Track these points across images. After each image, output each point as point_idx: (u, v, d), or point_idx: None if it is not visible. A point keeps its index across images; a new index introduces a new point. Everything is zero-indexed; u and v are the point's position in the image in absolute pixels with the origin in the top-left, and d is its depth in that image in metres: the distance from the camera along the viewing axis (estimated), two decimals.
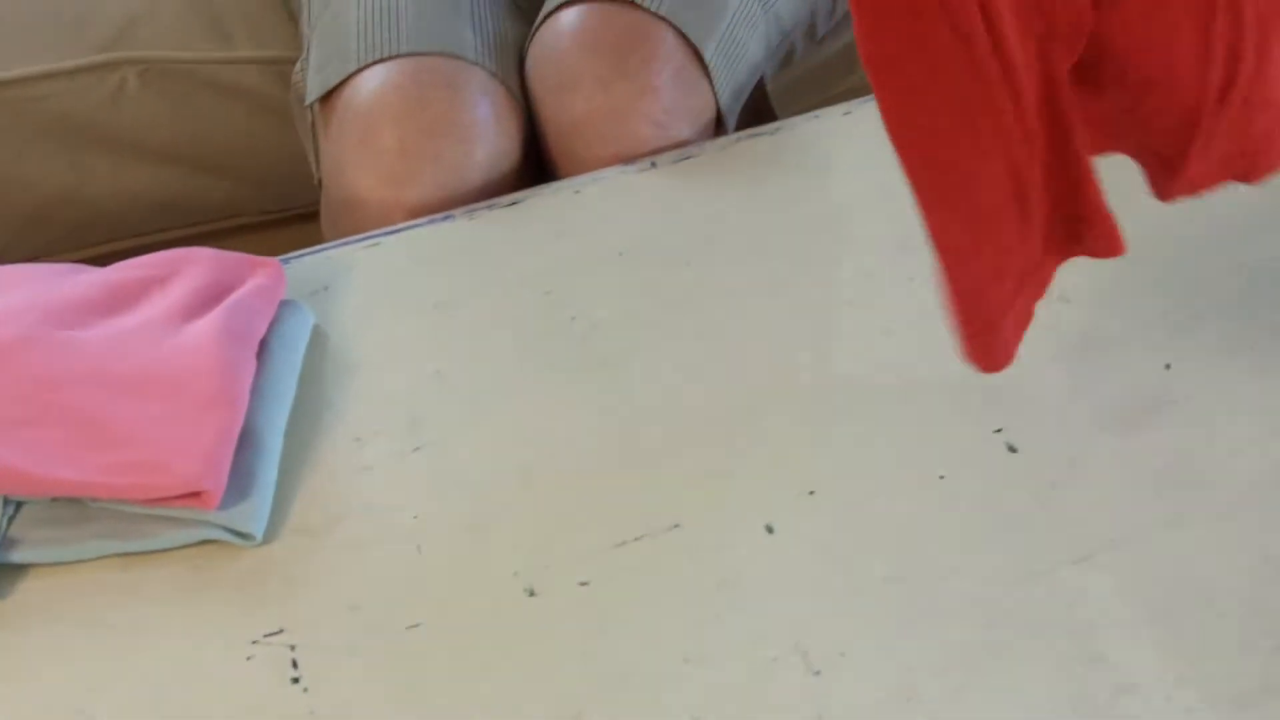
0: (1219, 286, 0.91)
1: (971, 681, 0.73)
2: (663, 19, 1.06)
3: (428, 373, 0.89)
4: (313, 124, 1.14)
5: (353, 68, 1.07)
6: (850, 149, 1.02)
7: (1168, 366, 0.87)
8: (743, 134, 1.03)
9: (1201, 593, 0.77)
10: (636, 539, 0.80)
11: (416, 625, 0.77)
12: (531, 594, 0.78)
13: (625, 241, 0.97)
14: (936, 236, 0.72)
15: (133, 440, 0.80)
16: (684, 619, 0.77)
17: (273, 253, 0.94)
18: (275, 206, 1.34)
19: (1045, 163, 0.73)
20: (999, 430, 0.84)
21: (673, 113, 1.05)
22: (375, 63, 1.07)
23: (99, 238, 1.28)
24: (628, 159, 1.03)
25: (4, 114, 1.27)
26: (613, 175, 1.02)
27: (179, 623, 0.77)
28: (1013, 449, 0.83)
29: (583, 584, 0.78)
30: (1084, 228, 0.77)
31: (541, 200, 1.00)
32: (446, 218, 0.99)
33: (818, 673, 0.74)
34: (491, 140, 1.06)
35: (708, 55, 1.07)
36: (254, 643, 0.76)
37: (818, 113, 1.05)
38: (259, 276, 0.89)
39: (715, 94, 1.07)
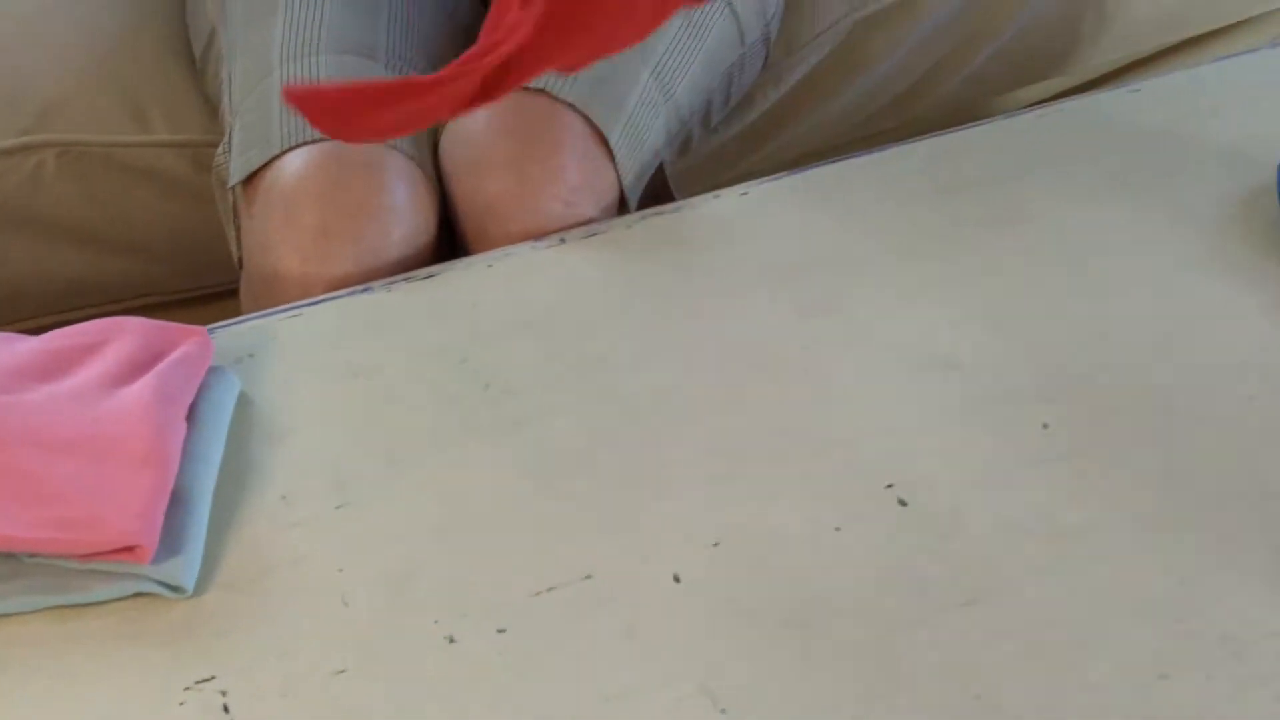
0: (1089, 355, 0.96)
1: (867, 718, 0.77)
2: (570, 106, 1.12)
3: (350, 435, 0.92)
4: (234, 205, 1.16)
5: (276, 151, 1.10)
6: (748, 226, 1.06)
7: (1045, 426, 0.92)
8: (647, 212, 1.07)
9: (1077, 633, 0.81)
10: (551, 589, 0.83)
11: (343, 671, 0.79)
12: (452, 641, 0.81)
13: (536, 312, 1.00)
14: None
15: (69, 497, 0.82)
16: (597, 662, 0.80)
17: None
18: (188, 285, 1.36)
19: None
20: (890, 486, 0.88)
21: (579, 193, 1.10)
22: (298, 146, 1.10)
23: (19, 315, 1.30)
24: (537, 236, 1.07)
25: None
26: (524, 251, 1.05)
27: (114, 670, 0.79)
28: (903, 503, 0.87)
29: (500, 631, 0.81)
30: None
31: (456, 274, 1.04)
32: (366, 289, 1.02)
33: (724, 710, 0.77)
34: (408, 220, 1.09)
35: (613, 140, 1.12)
36: (186, 689, 0.78)
37: (717, 193, 1.09)
38: (187, 344, 0.91)
39: (619, 176, 1.13)
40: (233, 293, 1.19)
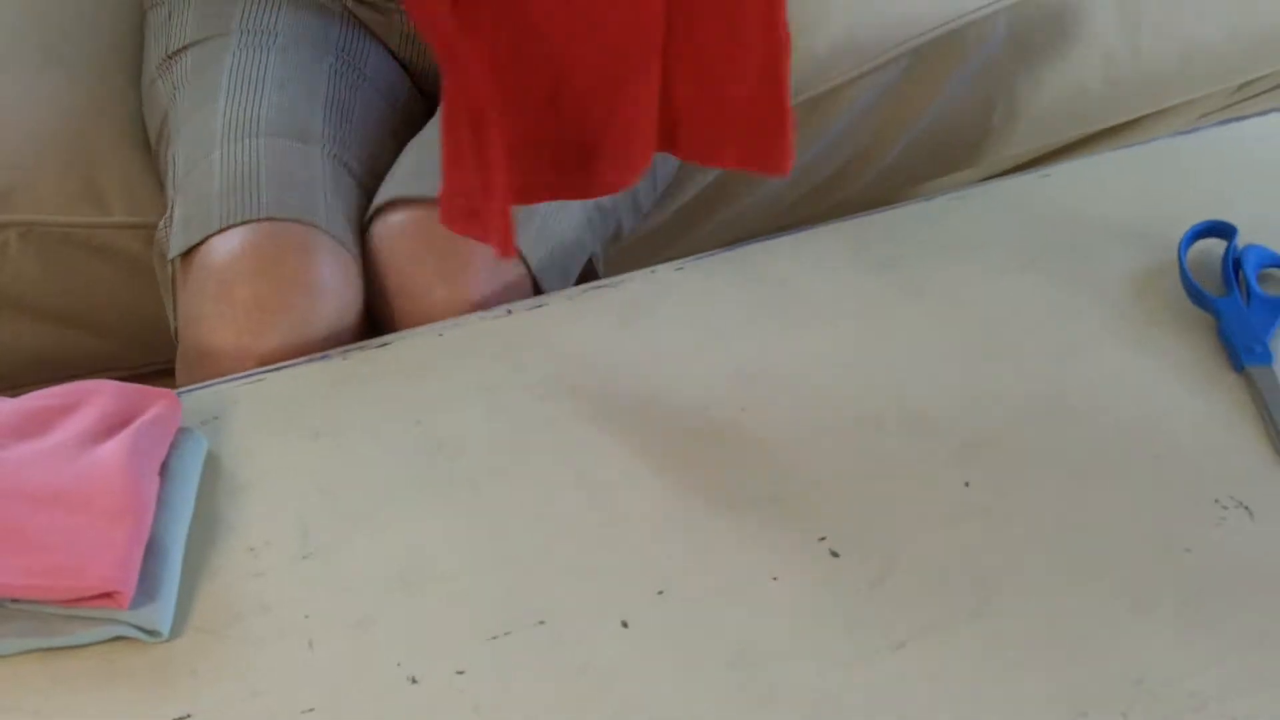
0: (1005, 417, 1.00)
1: None
2: None
3: (313, 491, 0.95)
4: (173, 278, 1.19)
5: (214, 229, 1.13)
6: (684, 297, 1.10)
7: (966, 484, 0.96)
8: (588, 285, 1.11)
9: (1001, 674, 0.85)
10: (507, 633, 0.87)
11: (311, 709, 0.83)
12: (413, 681, 0.85)
13: (485, 378, 1.03)
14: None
15: (51, 547, 0.86)
16: (552, 701, 0.84)
17: None
18: (143, 361, 1.37)
19: None
20: (823, 538, 0.92)
21: (491, 298, 1.14)
22: (234, 225, 1.13)
23: None
24: (452, 316, 1.12)
25: None
26: (473, 320, 1.09)
27: (95, 708, 0.83)
28: (835, 554, 0.92)
29: (459, 673, 0.85)
30: None
31: (408, 342, 1.07)
32: (324, 357, 1.06)
33: None
34: (337, 297, 1.13)
35: (524, 248, 1.17)
36: None
37: (653, 268, 1.13)
38: (158, 406, 0.95)
39: (529, 266, 1.17)
40: None
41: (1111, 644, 0.87)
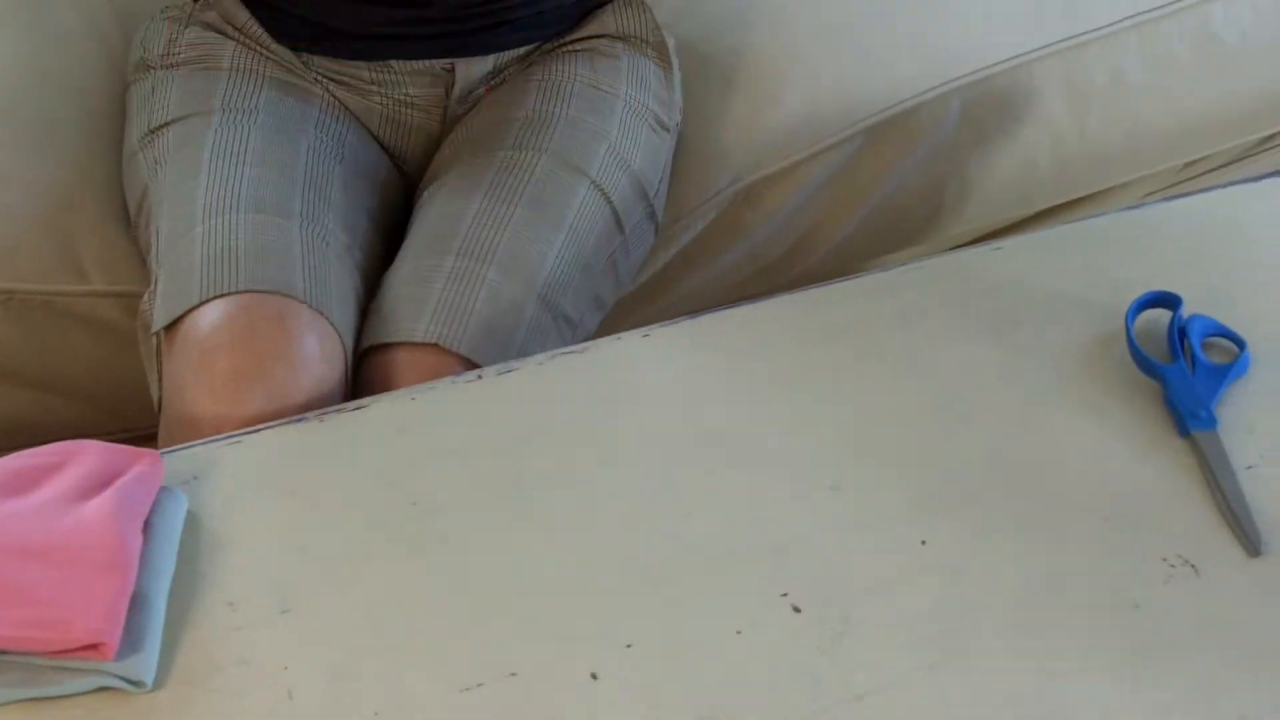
0: (960, 479, 1.03)
1: None
2: (463, 357, 1.21)
3: (291, 548, 0.97)
4: (156, 349, 1.21)
5: (196, 301, 1.16)
6: (649, 363, 1.12)
7: (923, 542, 0.98)
8: (556, 352, 1.13)
9: None
10: (479, 685, 0.89)
11: None
12: None
13: (457, 440, 1.06)
14: None
15: (37, 600, 0.88)
16: None
17: None
18: (120, 428, 1.39)
19: None
20: (785, 594, 0.95)
21: None
22: (215, 298, 1.16)
23: None
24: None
25: None
26: (444, 385, 1.11)
27: None
28: (797, 609, 0.94)
29: None
30: None
31: (383, 406, 1.09)
32: (301, 419, 1.08)
33: None
34: (316, 367, 1.16)
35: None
36: None
37: (619, 335, 1.15)
38: (141, 465, 0.98)
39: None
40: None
41: (1063, 697, 0.89)
